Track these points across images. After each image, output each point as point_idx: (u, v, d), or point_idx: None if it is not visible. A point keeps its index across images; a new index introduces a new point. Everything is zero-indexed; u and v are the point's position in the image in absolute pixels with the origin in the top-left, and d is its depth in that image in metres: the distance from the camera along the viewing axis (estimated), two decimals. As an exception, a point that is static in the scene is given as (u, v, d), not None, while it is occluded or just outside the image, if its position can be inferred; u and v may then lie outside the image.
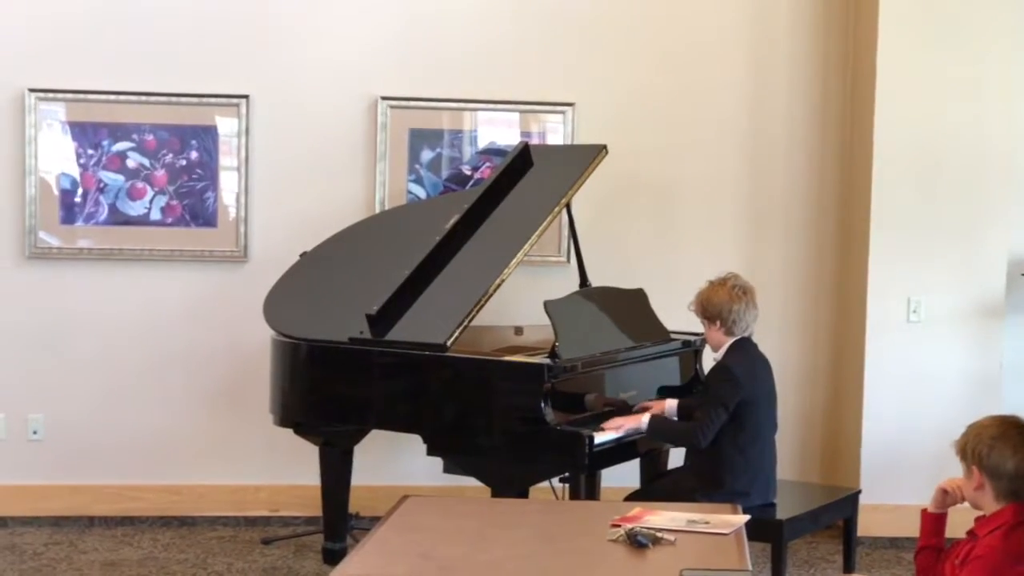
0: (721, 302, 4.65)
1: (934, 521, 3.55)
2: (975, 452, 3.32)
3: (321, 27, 6.23)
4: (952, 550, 3.41)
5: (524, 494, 4.68)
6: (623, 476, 5.30)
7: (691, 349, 5.44)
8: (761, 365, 4.74)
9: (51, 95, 6.10)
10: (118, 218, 6.16)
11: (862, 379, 6.03)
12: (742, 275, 4.78)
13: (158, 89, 6.12)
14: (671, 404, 4.93)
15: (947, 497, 3.50)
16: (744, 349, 4.68)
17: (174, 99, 6.13)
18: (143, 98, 6.12)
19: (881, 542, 6.02)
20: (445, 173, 6.27)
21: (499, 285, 4.88)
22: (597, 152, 5.40)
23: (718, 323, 4.67)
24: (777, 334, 6.04)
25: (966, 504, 3.45)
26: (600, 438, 4.57)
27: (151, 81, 6.13)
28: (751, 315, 4.69)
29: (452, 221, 5.14)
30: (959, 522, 3.54)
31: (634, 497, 4.65)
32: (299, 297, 5.36)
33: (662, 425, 4.76)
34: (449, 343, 4.71)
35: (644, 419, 4.70)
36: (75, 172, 6.14)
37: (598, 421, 4.72)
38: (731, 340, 4.68)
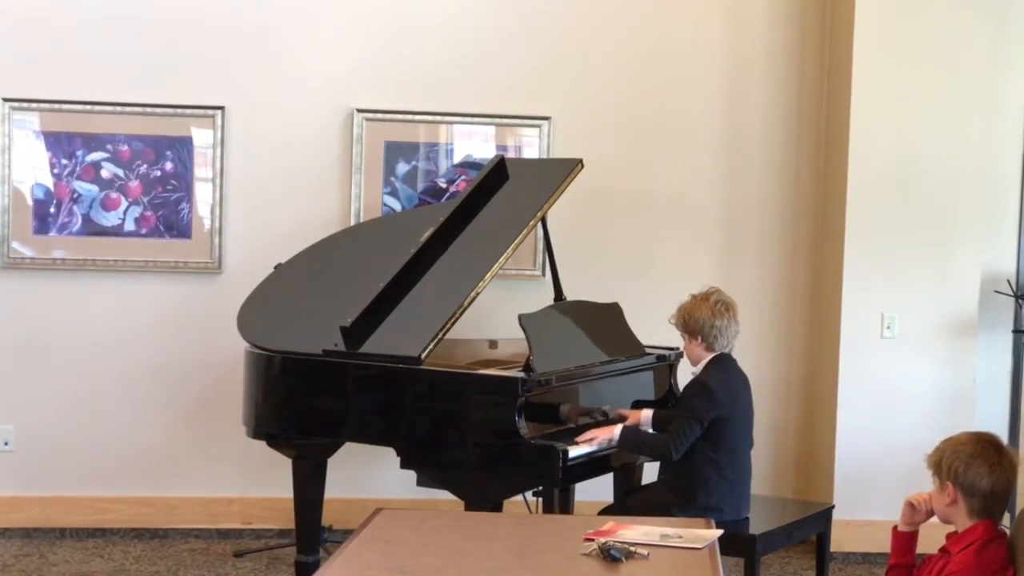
0: (703, 317, 4.63)
1: (905, 539, 3.53)
2: (951, 468, 3.31)
3: (297, 39, 6.23)
4: (924, 566, 3.41)
5: (498, 508, 4.67)
6: (597, 490, 5.29)
7: (666, 363, 5.44)
8: (739, 382, 4.70)
9: (25, 104, 6.08)
10: (92, 228, 6.13)
11: (836, 395, 6.05)
12: (718, 290, 4.79)
13: (133, 99, 6.10)
14: (647, 414, 4.93)
15: (915, 512, 3.49)
16: (723, 365, 4.66)
17: (149, 110, 6.11)
18: (118, 108, 6.09)
19: (854, 557, 6.03)
20: (421, 186, 6.26)
21: (474, 298, 4.88)
22: (573, 166, 5.41)
23: (699, 338, 4.65)
24: (751, 349, 6.04)
25: (936, 520, 3.45)
26: (574, 452, 4.56)
27: (126, 91, 6.11)
28: (732, 331, 4.67)
29: (427, 234, 5.13)
30: (930, 538, 3.55)
31: (608, 511, 4.65)
32: (273, 309, 5.34)
33: (634, 437, 4.74)
34: (423, 356, 4.70)
35: (616, 431, 4.69)
36: (49, 182, 6.11)
37: (573, 434, 4.72)
38: (711, 355, 4.66)
